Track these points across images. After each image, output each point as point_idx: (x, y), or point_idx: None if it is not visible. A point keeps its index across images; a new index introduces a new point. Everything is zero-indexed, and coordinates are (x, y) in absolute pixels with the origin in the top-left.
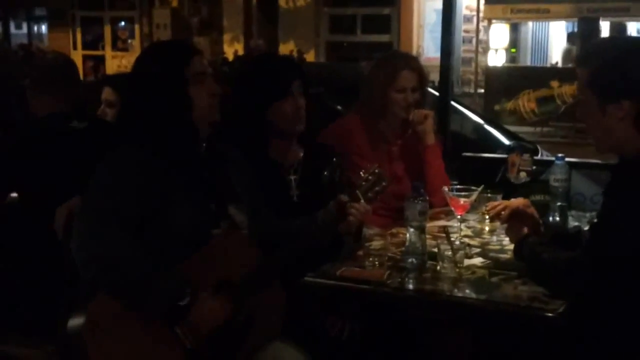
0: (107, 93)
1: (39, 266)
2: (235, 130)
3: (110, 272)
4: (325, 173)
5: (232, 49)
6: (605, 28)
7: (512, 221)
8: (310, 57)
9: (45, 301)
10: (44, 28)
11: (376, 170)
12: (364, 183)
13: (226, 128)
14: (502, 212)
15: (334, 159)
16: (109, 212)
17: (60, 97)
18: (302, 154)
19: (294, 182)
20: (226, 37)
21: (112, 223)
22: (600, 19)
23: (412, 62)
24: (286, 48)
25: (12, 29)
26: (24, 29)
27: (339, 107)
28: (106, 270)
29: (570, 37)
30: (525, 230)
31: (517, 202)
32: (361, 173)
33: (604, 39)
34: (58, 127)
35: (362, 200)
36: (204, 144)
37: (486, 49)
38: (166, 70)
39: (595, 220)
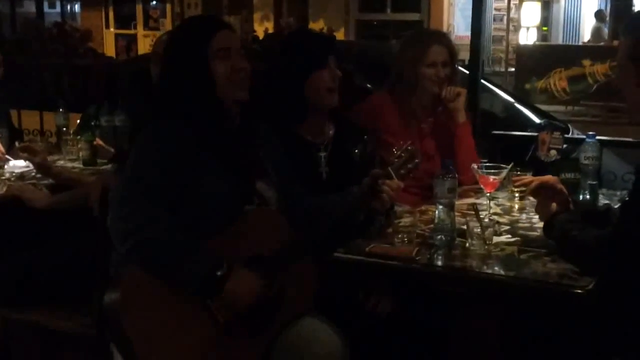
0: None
1: (74, 240)
2: (270, 106)
3: (146, 246)
4: (357, 151)
5: (263, 27)
6: (638, 5)
7: (541, 197)
8: (340, 35)
9: (82, 275)
10: (77, 7)
11: (409, 147)
12: (396, 160)
13: (259, 104)
14: (529, 185)
15: (365, 137)
16: (143, 186)
17: None
18: (332, 132)
19: (324, 159)
20: (256, 15)
21: (146, 197)
22: None
23: (442, 38)
24: (316, 26)
25: (46, 8)
26: (57, 8)
27: (368, 86)
28: (142, 244)
29: (598, 14)
30: (555, 206)
31: (546, 178)
32: (394, 150)
33: None
34: None
35: (395, 178)
36: (236, 120)
37: (517, 27)
38: (187, 46)
39: (627, 199)
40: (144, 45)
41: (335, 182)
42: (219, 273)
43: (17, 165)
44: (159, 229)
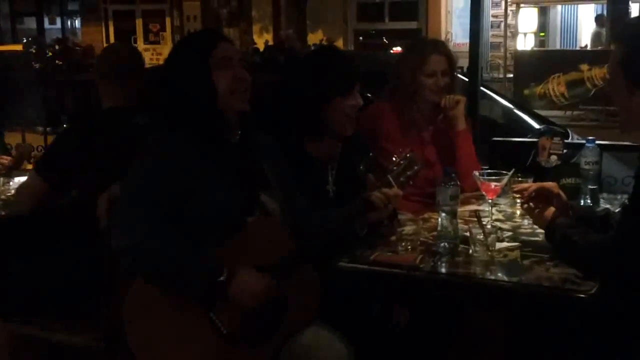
0: None
1: (82, 255)
2: (281, 119)
3: (147, 260)
4: (362, 167)
5: (262, 39)
6: (634, 10)
7: (537, 201)
8: (338, 45)
9: (89, 288)
10: (77, 22)
11: (408, 155)
12: (395, 168)
13: (265, 116)
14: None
15: (370, 154)
16: (143, 200)
17: (125, 90)
18: (339, 149)
19: (331, 177)
20: (255, 27)
21: (147, 211)
22: (630, 0)
23: (441, 47)
24: (315, 37)
25: (46, 24)
26: (58, 24)
27: (368, 95)
28: (142, 259)
29: (598, 19)
30: (552, 211)
31: (544, 183)
32: (393, 158)
33: None
34: (119, 122)
35: (394, 186)
36: (239, 132)
37: (515, 34)
38: (189, 56)
39: (627, 202)
40: (145, 58)
41: (342, 200)
42: (220, 279)
43: None
44: (159, 243)
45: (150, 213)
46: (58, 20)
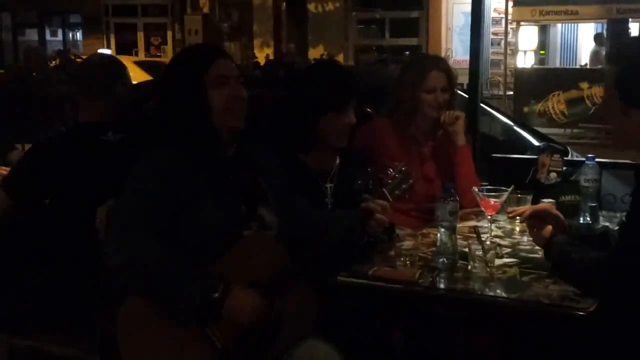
0: None
1: (75, 267)
2: (278, 131)
3: (140, 277)
4: (360, 182)
5: (263, 53)
6: (634, 29)
7: (534, 221)
8: (339, 60)
9: (84, 300)
10: (78, 35)
11: (403, 168)
12: (390, 181)
13: (262, 129)
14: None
15: (369, 169)
16: (137, 218)
17: (97, 105)
18: (337, 162)
19: (330, 190)
20: (256, 42)
21: (140, 228)
22: (630, 20)
23: (440, 63)
24: (316, 52)
25: (48, 36)
26: (59, 36)
27: (368, 110)
28: (136, 277)
29: (597, 38)
30: (549, 229)
31: (539, 205)
32: (388, 171)
33: (637, 37)
34: (87, 139)
35: (389, 199)
36: (231, 147)
37: (515, 51)
38: (185, 74)
39: (624, 220)
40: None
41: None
42: (215, 295)
43: None
44: (153, 260)
45: (145, 231)
46: (60, 32)
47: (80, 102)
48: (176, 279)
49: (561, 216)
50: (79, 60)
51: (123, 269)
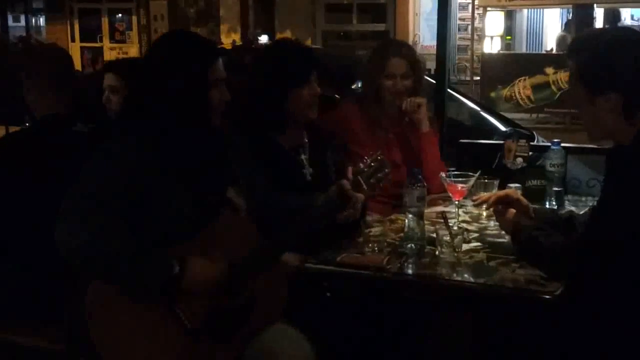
0: (110, 79)
1: (42, 255)
2: (249, 115)
3: (96, 260)
4: (329, 153)
5: (229, 39)
6: (599, 15)
7: (499, 207)
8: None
9: (51, 289)
10: (41, 20)
11: (379, 157)
12: (366, 170)
13: (234, 113)
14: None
15: (334, 142)
16: (94, 201)
17: (62, 96)
18: (306, 139)
19: (305, 161)
20: (223, 27)
21: (97, 212)
22: (595, 5)
23: (403, 50)
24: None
25: (10, 21)
26: (22, 22)
27: (336, 96)
28: (92, 259)
29: (568, 25)
30: (512, 212)
31: (503, 192)
32: (364, 159)
33: (592, 30)
34: (58, 130)
35: (364, 187)
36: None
37: (481, 37)
38: (188, 73)
39: (595, 204)
40: (110, 57)
41: (319, 182)
42: (174, 272)
43: None
44: (109, 243)
45: (101, 214)
46: (22, 18)
47: (36, 96)
48: (133, 263)
49: (524, 200)
50: (46, 47)
51: (76, 252)
